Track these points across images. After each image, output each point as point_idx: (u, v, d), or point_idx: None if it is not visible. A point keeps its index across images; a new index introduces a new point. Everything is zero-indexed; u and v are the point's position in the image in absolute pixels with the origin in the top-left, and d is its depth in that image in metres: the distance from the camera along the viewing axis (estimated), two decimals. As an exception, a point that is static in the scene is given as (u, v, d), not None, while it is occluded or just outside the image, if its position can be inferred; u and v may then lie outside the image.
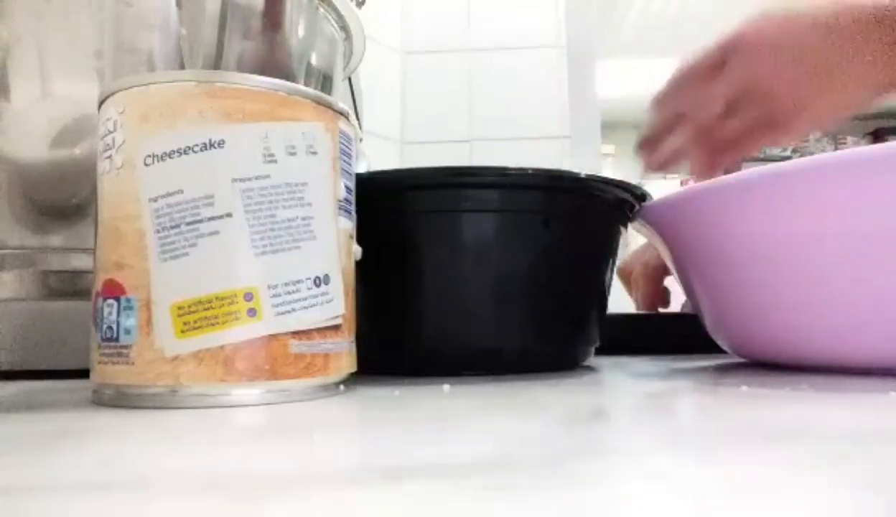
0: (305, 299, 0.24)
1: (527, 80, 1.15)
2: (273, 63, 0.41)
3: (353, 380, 0.28)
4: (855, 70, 0.46)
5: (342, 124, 0.26)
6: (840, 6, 0.46)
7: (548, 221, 0.33)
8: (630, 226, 0.40)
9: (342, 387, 0.26)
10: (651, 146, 0.54)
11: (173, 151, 0.22)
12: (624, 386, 0.28)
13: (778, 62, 0.47)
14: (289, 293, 0.23)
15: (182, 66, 0.37)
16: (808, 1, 0.47)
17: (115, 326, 0.22)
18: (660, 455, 0.15)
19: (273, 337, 0.23)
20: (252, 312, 0.22)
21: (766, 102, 0.49)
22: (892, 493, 0.11)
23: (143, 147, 0.23)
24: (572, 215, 0.34)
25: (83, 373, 0.27)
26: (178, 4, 0.37)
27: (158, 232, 0.22)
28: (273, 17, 0.41)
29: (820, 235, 0.30)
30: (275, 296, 0.23)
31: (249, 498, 0.11)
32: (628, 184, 0.35)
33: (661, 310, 0.60)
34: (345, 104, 0.27)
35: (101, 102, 0.24)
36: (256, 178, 0.23)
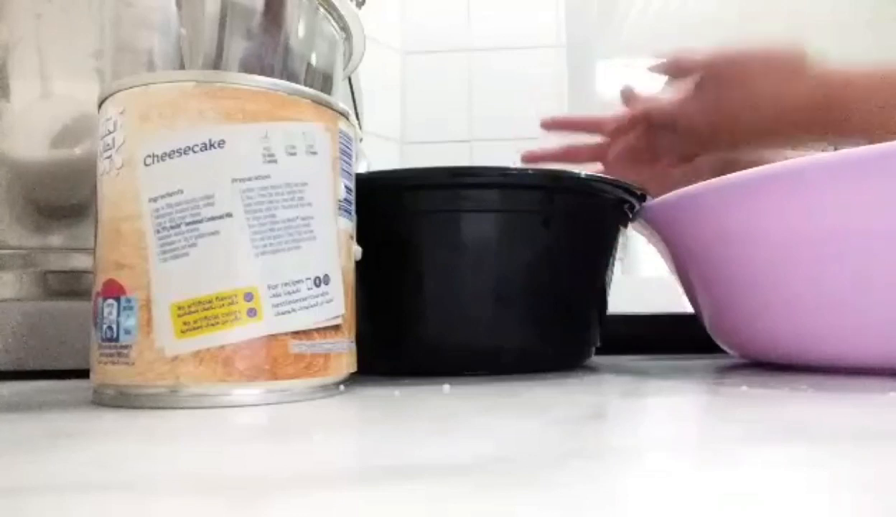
0: (305, 299, 0.24)
1: (527, 80, 1.15)
2: (272, 63, 0.41)
3: (353, 380, 0.28)
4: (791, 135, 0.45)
5: (342, 124, 0.26)
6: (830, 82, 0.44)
7: (548, 221, 0.33)
8: (630, 226, 0.40)
9: (342, 387, 0.26)
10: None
11: (173, 151, 0.22)
12: (624, 386, 0.28)
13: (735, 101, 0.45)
14: (289, 293, 0.23)
15: (182, 66, 0.37)
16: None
17: (115, 326, 0.22)
18: (660, 455, 0.15)
19: (273, 337, 0.23)
20: (252, 312, 0.22)
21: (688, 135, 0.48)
22: (891, 494, 0.11)
23: (143, 147, 0.23)
24: (572, 215, 0.34)
25: (83, 373, 0.26)
26: (178, 4, 0.37)
27: (158, 232, 0.22)
28: (273, 17, 0.41)
29: (820, 235, 0.30)
30: (275, 296, 0.23)
31: (250, 498, 0.11)
32: (628, 184, 0.35)
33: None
34: (345, 104, 0.27)
35: (101, 102, 0.24)
36: (256, 178, 0.23)
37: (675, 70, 0.49)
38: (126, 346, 0.22)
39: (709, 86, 0.46)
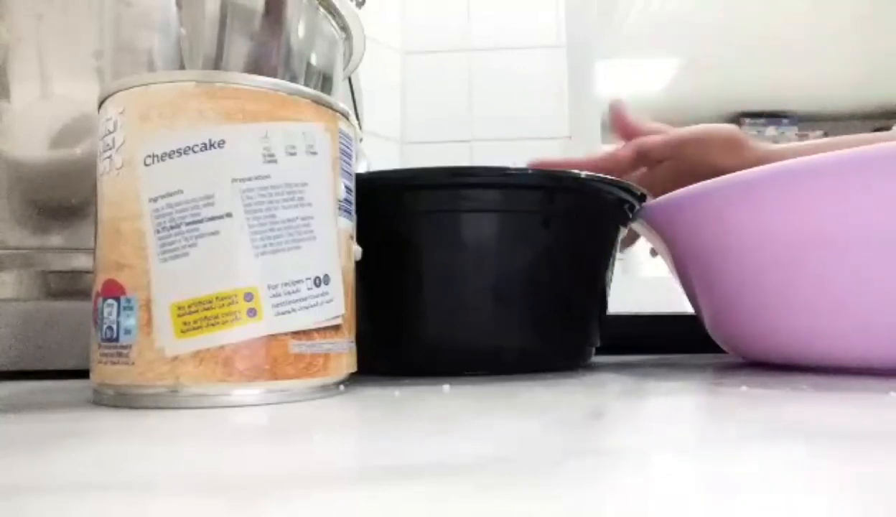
0: (305, 299, 0.24)
1: (527, 80, 1.15)
2: (273, 63, 0.41)
3: (353, 380, 0.28)
4: None
5: (342, 124, 0.26)
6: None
7: (548, 221, 0.33)
8: (630, 226, 0.40)
9: (342, 387, 0.26)
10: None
11: (173, 151, 0.22)
12: (624, 386, 0.28)
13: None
14: (289, 293, 0.23)
15: (182, 66, 0.37)
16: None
17: (115, 326, 0.22)
18: (659, 455, 0.15)
19: (273, 337, 0.23)
20: (252, 312, 0.22)
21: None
22: (892, 494, 0.11)
23: (143, 147, 0.23)
24: (572, 215, 0.34)
25: (83, 373, 0.26)
26: (178, 4, 0.37)
27: (158, 232, 0.22)
28: (273, 17, 0.41)
29: (820, 235, 0.30)
30: (275, 296, 0.23)
31: (250, 498, 0.11)
32: (628, 184, 0.35)
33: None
34: (345, 104, 0.27)
35: (101, 102, 0.24)
36: (256, 178, 0.23)
37: (641, 155, 0.55)
38: (126, 346, 0.22)
39: (670, 164, 0.54)
